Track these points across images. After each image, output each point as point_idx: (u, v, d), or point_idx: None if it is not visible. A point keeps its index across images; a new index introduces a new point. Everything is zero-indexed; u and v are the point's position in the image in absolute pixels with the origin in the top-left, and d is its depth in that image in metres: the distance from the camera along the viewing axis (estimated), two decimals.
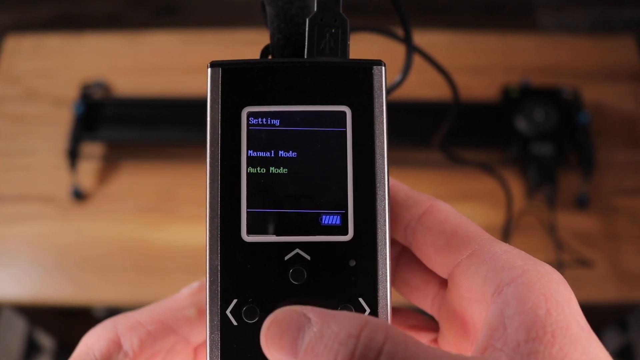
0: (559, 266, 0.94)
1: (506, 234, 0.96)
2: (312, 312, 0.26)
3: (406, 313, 0.36)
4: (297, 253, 0.30)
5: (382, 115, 0.31)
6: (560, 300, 0.25)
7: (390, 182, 0.33)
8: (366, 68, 0.31)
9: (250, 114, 0.31)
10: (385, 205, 0.30)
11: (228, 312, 0.30)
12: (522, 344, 0.24)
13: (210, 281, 0.30)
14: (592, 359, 0.24)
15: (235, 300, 0.30)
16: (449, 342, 0.33)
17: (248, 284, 0.30)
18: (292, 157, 0.31)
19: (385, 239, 0.30)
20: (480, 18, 2.16)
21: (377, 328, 0.24)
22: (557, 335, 0.24)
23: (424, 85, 0.95)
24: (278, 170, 0.30)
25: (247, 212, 0.30)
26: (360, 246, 0.30)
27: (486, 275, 0.27)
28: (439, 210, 0.32)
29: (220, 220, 0.30)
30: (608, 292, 0.97)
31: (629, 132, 1.09)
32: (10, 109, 1.15)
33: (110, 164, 1.09)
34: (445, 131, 0.63)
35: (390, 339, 0.24)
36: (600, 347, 0.25)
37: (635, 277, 0.97)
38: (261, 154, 0.30)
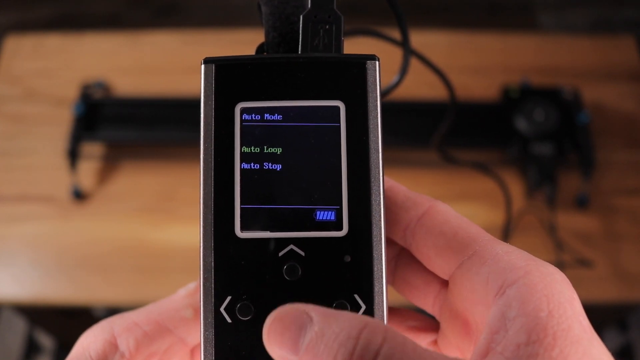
0: (559, 266, 0.94)
1: (506, 234, 0.96)
2: (314, 311, 0.26)
3: (406, 313, 0.36)
4: (292, 249, 0.30)
5: (376, 110, 0.31)
6: (562, 301, 0.25)
7: (388, 183, 0.32)
8: (360, 63, 0.31)
9: (243, 110, 0.31)
10: (380, 200, 0.30)
11: (222, 309, 0.29)
12: (523, 347, 0.24)
13: (204, 278, 0.30)
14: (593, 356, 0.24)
15: (229, 297, 0.30)
16: (450, 343, 0.33)
17: (242, 281, 0.30)
18: (286, 152, 0.30)
19: (381, 234, 0.30)
20: (480, 18, 2.16)
21: (376, 330, 0.24)
22: (558, 338, 0.24)
23: (422, 86, 0.95)
24: (272, 166, 0.30)
25: (241, 208, 0.30)
26: (355, 242, 0.30)
27: (488, 277, 0.27)
28: (439, 212, 0.32)
29: (214, 217, 0.30)
30: (608, 292, 0.97)
31: (629, 132, 1.09)
32: (10, 109, 1.15)
33: (110, 164, 1.09)
34: (443, 133, 0.63)
35: (388, 340, 0.24)
36: (603, 348, 0.25)
37: (635, 277, 0.97)
38: (255, 149, 0.30)
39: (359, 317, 0.25)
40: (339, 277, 0.30)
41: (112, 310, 1.30)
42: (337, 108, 0.31)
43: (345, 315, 0.25)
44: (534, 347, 0.24)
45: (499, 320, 0.25)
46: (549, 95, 1.06)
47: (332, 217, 0.30)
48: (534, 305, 0.25)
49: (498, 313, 0.26)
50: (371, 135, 0.30)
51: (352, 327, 0.24)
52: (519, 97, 1.06)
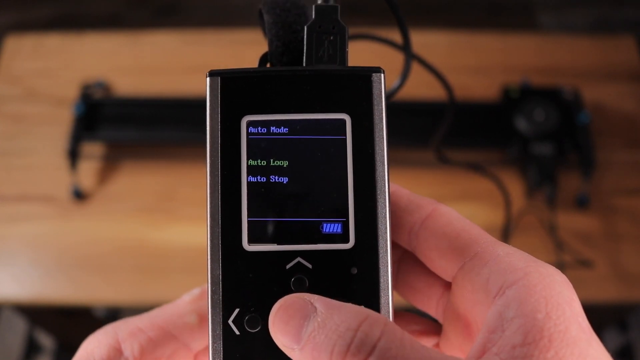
0: (559, 266, 0.94)
1: (506, 234, 0.96)
2: (319, 302, 0.26)
3: (408, 317, 0.36)
4: (299, 262, 0.30)
5: (382, 122, 0.31)
6: (561, 303, 0.25)
7: (391, 188, 0.33)
8: (365, 75, 0.31)
9: (249, 123, 0.31)
10: (386, 212, 0.30)
11: (230, 321, 0.30)
12: (518, 348, 0.24)
13: (212, 291, 0.30)
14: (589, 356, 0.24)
15: (237, 310, 0.30)
16: (453, 344, 0.33)
17: (250, 294, 0.30)
18: (292, 165, 0.31)
19: (387, 246, 0.30)
20: (480, 18, 2.16)
21: (376, 323, 0.25)
22: (554, 340, 0.24)
23: (421, 86, 0.95)
24: (278, 179, 0.30)
25: (248, 221, 0.30)
26: (361, 254, 0.30)
27: (489, 278, 0.28)
28: (442, 214, 0.32)
29: (221, 230, 0.30)
30: (608, 292, 0.97)
31: (629, 132, 1.09)
32: (10, 109, 1.15)
33: (110, 164, 1.09)
34: (441, 135, 0.63)
35: (386, 334, 0.24)
36: (601, 349, 0.25)
37: (635, 277, 0.97)
38: (261, 162, 0.30)
39: (361, 310, 0.26)
40: (345, 289, 0.30)
41: (112, 310, 1.30)
42: (343, 121, 0.31)
43: (349, 307, 0.26)
44: (529, 348, 0.24)
45: (496, 320, 0.26)
46: (549, 95, 1.06)
47: (339, 230, 0.30)
48: (531, 306, 0.25)
49: (496, 313, 0.26)
50: (377, 148, 0.31)
51: (352, 319, 0.25)
52: (519, 97, 1.06)
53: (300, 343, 0.26)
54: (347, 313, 0.25)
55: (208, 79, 0.31)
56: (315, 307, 0.26)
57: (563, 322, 0.25)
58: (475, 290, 0.28)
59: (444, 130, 0.61)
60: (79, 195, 1.05)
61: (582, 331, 0.25)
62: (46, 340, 1.61)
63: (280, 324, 0.27)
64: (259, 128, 0.31)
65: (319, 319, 0.26)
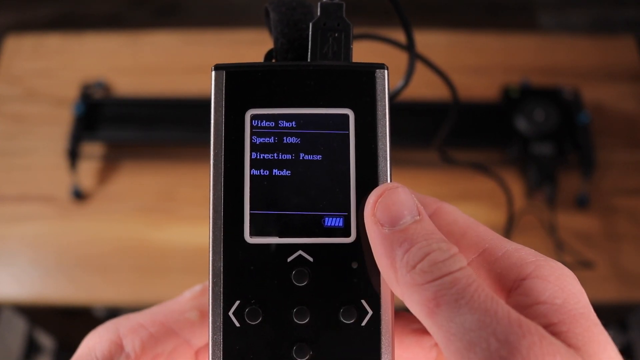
0: None
1: (507, 234, 0.96)
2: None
3: (410, 317, 0.36)
4: (300, 255, 0.30)
5: (385, 117, 0.31)
6: (575, 292, 0.26)
7: None
8: (369, 71, 0.31)
9: (254, 117, 0.31)
10: None
11: (230, 313, 0.30)
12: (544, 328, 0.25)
13: (213, 282, 0.30)
14: (611, 342, 0.25)
15: (237, 302, 0.30)
16: None
17: (251, 286, 0.30)
18: (295, 159, 0.31)
19: None
20: (480, 18, 2.16)
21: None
22: (579, 318, 0.25)
23: (422, 85, 0.95)
24: (281, 173, 0.31)
25: (251, 213, 0.30)
26: (362, 248, 0.30)
27: (500, 272, 0.28)
28: (447, 212, 0.32)
29: (224, 222, 0.30)
30: (608, 292, 0.97)
31: (629, 132, 1.09)
32: (10, 109, 1.15)
33: (110, 164, 1.09)
34: (445, 135, 0.63)
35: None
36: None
37: (635, 277, 0.97)
38: (264, 156, 0.31)
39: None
40: (346, 283, 0.30)
41: (112, 310, 1.30)
42: (347, 116, 0.31)
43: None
44: (555, 328, 0.25)
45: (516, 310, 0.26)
46: (549, 95, 1.06)
47: (340, 224, 0.30)
48: (549, 293, 0.26)
49: (514, 305, 0.26)
50: (380, 143, 0.31)
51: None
52: (519, 97, 1.06)
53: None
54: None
55: (213, 72, 0.31)
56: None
57: (581, 308, 0.25)
58: (488, 285, 0.28)
59: (447, 130, 0.61)
60: (79, 195, 1.05)
61: (597, 321, 0.26)
62: (46, 340, 1.61)
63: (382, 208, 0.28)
64: (263, 122, 0.31)
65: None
